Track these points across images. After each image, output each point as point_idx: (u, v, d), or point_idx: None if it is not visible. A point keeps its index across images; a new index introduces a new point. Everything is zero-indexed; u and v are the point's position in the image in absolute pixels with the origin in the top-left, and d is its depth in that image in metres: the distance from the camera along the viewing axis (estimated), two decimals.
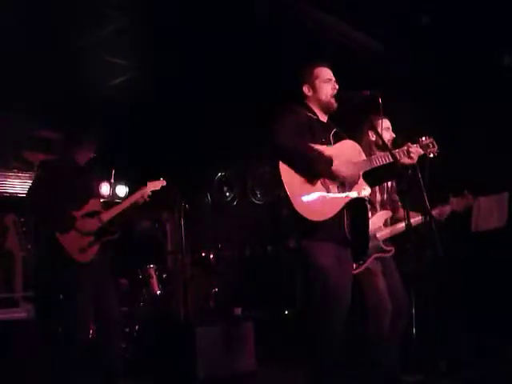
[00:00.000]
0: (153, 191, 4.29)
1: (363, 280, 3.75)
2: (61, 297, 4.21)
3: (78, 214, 3.94)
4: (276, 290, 6.26)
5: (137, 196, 4.21)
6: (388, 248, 3.85)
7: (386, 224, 3.90)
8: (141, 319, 5.45)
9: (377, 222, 3.86)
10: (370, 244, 3.76)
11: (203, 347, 4.58)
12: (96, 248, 3.96)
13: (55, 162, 4.24)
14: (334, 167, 2.99)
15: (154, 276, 5.75)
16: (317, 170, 2.99)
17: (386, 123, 3.90)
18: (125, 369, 4.14)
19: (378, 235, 3.83)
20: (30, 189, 4.07)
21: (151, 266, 5.80)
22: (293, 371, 4.10)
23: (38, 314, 4.90)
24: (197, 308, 5.82)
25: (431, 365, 4.03)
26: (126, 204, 4.17)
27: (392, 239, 3.90)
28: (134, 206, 4.20)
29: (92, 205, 4.05)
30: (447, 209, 4.03)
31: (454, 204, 4.04)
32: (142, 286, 5.71)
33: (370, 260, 3.77)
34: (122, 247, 4.20)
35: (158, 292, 5.72)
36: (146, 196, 4.23)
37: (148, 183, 4.29)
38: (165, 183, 4.41)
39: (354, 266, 3.68)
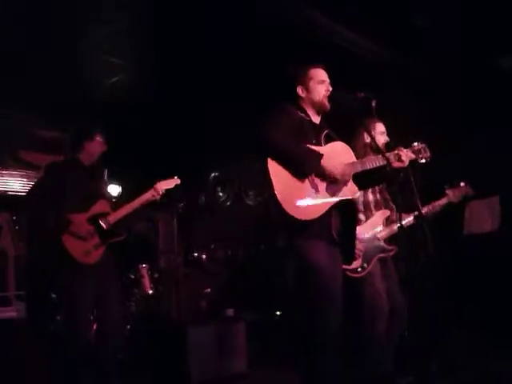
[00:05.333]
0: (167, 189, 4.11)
1: (361, 280, 3.75)
2: (57, 297, 4.19)
3: (85, 216, 3.89)
4: (269, 291, 6.26)
5: (147, 196, 4.05)
6: (390, 247, 3.84)
7: (385, 223, 3.89)
8: (132, 319, 5.43)
9: (377, 221, 3.86)
10: (373, 245, 3.78)
11: (195, 347, 4.57)
12: (102, 250, 3.91)
13: (61, 163, 4.17)
14: (323, 162, 2.98)
15: (146, 275, 5.72)
16: (305, 165, 2.97)
17: (380, 127, 3.92)
18: (116, 368, 4.14)
19: (379, 235, 3.83)
20: (30, 190, 4.03)
21: (143, 265, 5.77)
22: (285, 372, 4.13)
23: (31, 311, 4.89)
24: (189, 308, 5.81)
25: (422, 366, 4.04)
26: (136, 205, 4.02)
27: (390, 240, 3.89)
28: (143, 206, 4.06)
29: (100, 206, 3.99)
30: (442, 201, 4.03)
31: (451, 195, 4.05)
32: (134, 286, 5.69)
33: (373, 262, 3.77)
34: (115, 246, 4.16)
35: (150, 292, 5.69)
36: (159, 195, 4.07)
37: (158, 183, 4.11)
38: (179, 181, 4.20)
39: (359, 269, 3.70)
